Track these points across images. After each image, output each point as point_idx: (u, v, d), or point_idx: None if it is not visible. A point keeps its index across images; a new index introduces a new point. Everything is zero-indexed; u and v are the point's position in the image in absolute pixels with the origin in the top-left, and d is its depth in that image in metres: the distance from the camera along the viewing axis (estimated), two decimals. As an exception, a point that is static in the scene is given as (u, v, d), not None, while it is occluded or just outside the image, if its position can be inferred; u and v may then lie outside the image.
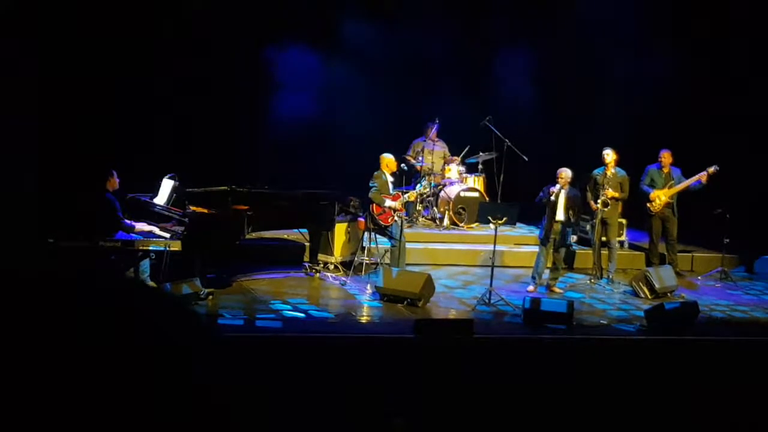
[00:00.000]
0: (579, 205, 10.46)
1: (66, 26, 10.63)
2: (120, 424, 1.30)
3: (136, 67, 11.71)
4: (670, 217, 11.44)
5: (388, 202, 10.40)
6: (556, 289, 10.33)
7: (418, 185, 11.76)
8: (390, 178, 10.65)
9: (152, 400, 1.33)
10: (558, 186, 10.09)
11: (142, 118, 11.82)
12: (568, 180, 10.16)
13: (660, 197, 11.35)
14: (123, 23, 11.55)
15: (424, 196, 12.53)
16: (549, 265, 10.39)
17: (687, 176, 11.42)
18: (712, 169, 11.23)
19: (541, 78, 14.07)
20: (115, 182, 8.89)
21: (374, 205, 10.40)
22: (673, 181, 11.40)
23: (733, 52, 13.47)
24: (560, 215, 10.14)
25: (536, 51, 14.16)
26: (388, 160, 10.63)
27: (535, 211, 10.58)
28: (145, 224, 9.06)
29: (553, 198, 10.03)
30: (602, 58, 13.80)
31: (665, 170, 11.44)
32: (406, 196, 10.76)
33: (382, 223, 10.43)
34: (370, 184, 10.46)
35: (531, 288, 10.24)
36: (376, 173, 10.53)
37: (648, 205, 11.43)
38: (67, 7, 10.69)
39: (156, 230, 9.03)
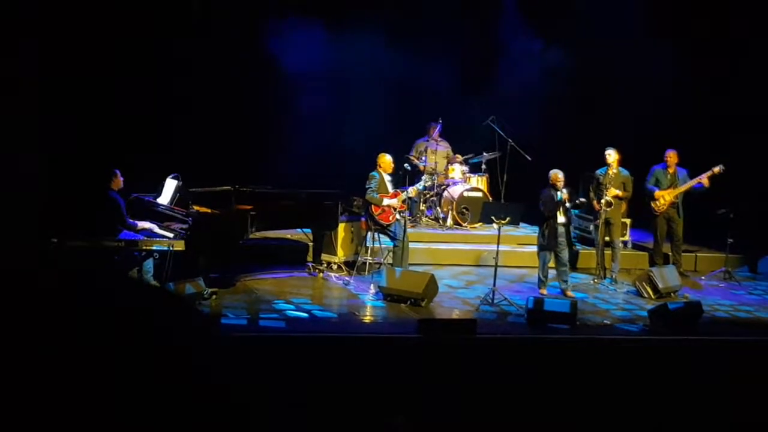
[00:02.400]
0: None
1: (66, 26, 10.62)
2: (123, 423, 1.30)
3: (137, 65, 11.70)
4: (675, 218, 11.40)
5: (386, 201, 10.38)
6: (569, 293, 10.16)
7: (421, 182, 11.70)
8: (388, 177, 10.62)
9: (155, 399, 1.33)
10: (565, 189, 9.99)
11: (144, 117, 11.80)
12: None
13: (665, 197, 11.32)
14: (124, 21, 11.54)
15: (426, 192, 12.49)
16: (558, 267, 10.23)
17: (693, 176, 11.39)
18: (717, 169, 11.20)
19: (544, 77, 14.04)
20: (119, 182, 8.96)
21: (373, 205, 10.39)
22: (678, 181, 11.37)
23: (734, 51, 13.44)
24: (561, 218, 10.08)
25: (540, 50, 14.14)
26: (386, 160, 10.61)
27: (539, 210, 10.50)
28: (148, 223, 9.07)
29: (578, 201, 10.02)
30: (606, 57, 13.77)
31: (671, 170, 11.40)
32: (406, 192, 10.69)
33: (383, 222, 10.42)
34: (366, 186, 10.44)
35: (543, 291, 10.12)
36: (371, 174, 10.50)
37: (652, 204, 11.39)
38: (67, 7, 10.68)
39: (160, 230, 9.04)
